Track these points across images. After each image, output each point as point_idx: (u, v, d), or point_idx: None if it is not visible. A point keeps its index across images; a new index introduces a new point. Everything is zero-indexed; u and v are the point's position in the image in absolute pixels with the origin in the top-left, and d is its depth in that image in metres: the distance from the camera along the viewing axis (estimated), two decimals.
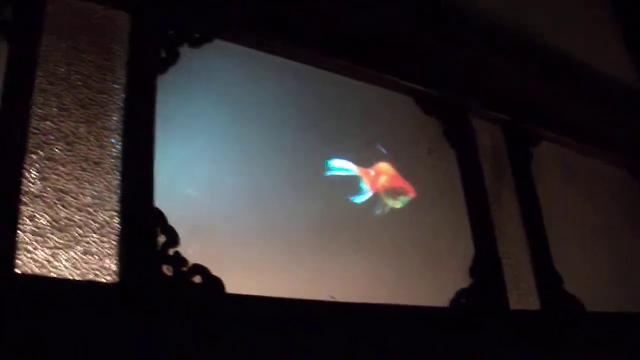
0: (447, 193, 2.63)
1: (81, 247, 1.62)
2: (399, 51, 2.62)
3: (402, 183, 2.47)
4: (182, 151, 1.95)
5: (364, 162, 2.41)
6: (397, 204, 2.44)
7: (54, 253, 1.57)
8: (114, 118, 1.82)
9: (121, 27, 1.94)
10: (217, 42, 2.14)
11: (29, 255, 1.53)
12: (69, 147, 1.71)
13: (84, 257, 1.62)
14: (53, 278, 1.55)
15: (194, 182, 1.94)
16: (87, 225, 1.65)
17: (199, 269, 1.77)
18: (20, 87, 1.66)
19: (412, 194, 2.47)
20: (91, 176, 1.72)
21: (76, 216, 1.65)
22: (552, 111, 3.18)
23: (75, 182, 1.69)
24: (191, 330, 1.66)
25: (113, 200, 1.72)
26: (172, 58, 2.01)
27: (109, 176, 1.75)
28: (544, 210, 2.95)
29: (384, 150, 2.48)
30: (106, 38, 1.91)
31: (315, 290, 1.99)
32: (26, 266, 1.52)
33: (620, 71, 3.56)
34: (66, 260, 1.59)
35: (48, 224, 1.59)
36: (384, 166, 2.46)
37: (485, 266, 2.53)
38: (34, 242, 1.56)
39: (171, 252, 1.75)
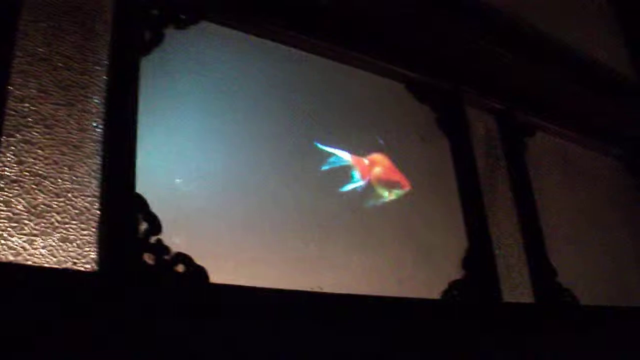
0: (439, 183, 2.59)
1: (59, 234, 1.56)
2: (392, 38, 2.57)
3: (397, 175, 2.42)
4: (166, 136, 1.88)
5: (357, 150, 2.35)
6: (391, 196, 2.39)
7: (30, 240, 1.51)
8: (96, 100, 1.76)
9: (104, 6, 1.87)
10: (204, 24, 2.08)
11: (4, 242, 1.47)
12: (47, 130, 1.64)
13: (62, 244, 1.55)
14: (29, 266, 1.49)
15: (179, 168, 1.87)
16: (65, 212, 1.59)
17: (182, 258, 1.71)
18: None
19: (407, 187, 2.42)
20: (71, 160, 1.65)
21: (54, 202, 1.58)
22: (548, 101, 3.16)
23: (54, 166, 1.62)
24: (173, 321, 1.60)
25: (93, 186, 1.66)
26: (157, 40, 1.94)
27: (90, 160, 1.68)
28: (539, 202, 2.92)
29: (381, 141, 2.42)
30: (89, 18, 1.83)
31: (302, 281, 1.94)
32: (1, 253, 1.45)
33: (617, 62, 3.53)
34: (43, 248, 1.52)
35: (25, 209, 1.53)
36: (378, 157, 2.41)
37: (479, 258, 2.50)
38: (10, 229, 1.49)
39: (153, 239, 1.69)
